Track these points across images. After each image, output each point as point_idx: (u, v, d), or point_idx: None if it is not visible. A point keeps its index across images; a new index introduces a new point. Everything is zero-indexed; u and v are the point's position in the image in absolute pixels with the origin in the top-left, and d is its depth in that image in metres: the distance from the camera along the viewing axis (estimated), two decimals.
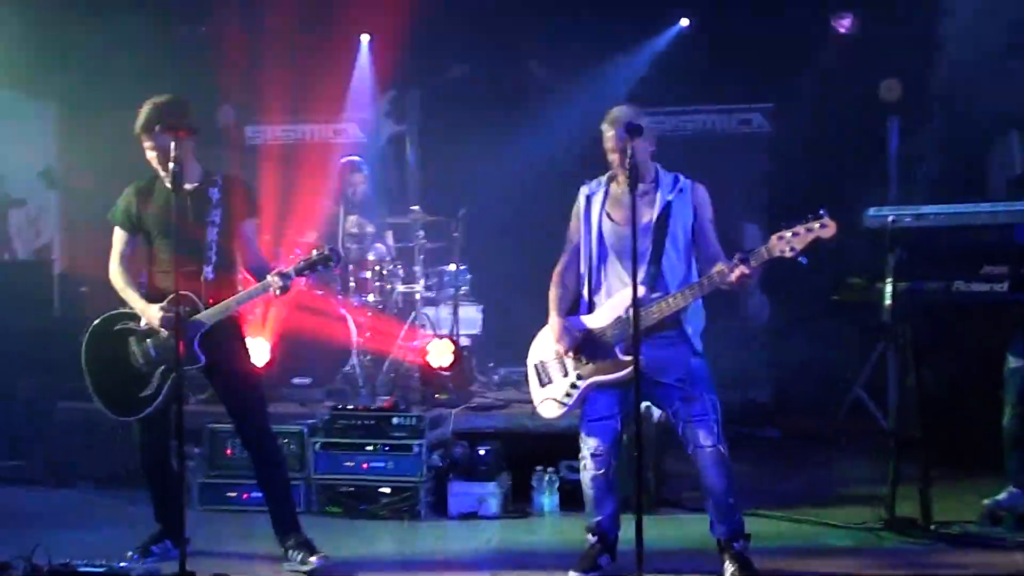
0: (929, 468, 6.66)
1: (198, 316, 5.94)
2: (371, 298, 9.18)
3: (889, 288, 6.55)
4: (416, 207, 9.60)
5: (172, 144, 5.64)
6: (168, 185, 5.93)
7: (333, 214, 9.52)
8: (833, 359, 9.79)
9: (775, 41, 9.91)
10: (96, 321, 6.26)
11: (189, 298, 5.93)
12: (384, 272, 9.29)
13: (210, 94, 11.10)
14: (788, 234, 5.28)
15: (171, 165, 5.60)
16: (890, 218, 6.53)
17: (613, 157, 5.71)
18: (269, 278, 5.87)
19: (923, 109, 9.94)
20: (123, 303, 6.16)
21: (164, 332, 5.95)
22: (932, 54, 9.61)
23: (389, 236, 9.98)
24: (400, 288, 9.50)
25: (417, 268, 9.53)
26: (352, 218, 9.56)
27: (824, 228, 5.24)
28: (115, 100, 10.80)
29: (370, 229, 9.60)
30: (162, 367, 6.02)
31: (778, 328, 10.27)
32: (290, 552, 6.05)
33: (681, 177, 5.82)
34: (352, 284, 9.09)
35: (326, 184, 9.81)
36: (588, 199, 5.88)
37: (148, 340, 6.07)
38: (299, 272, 5.85)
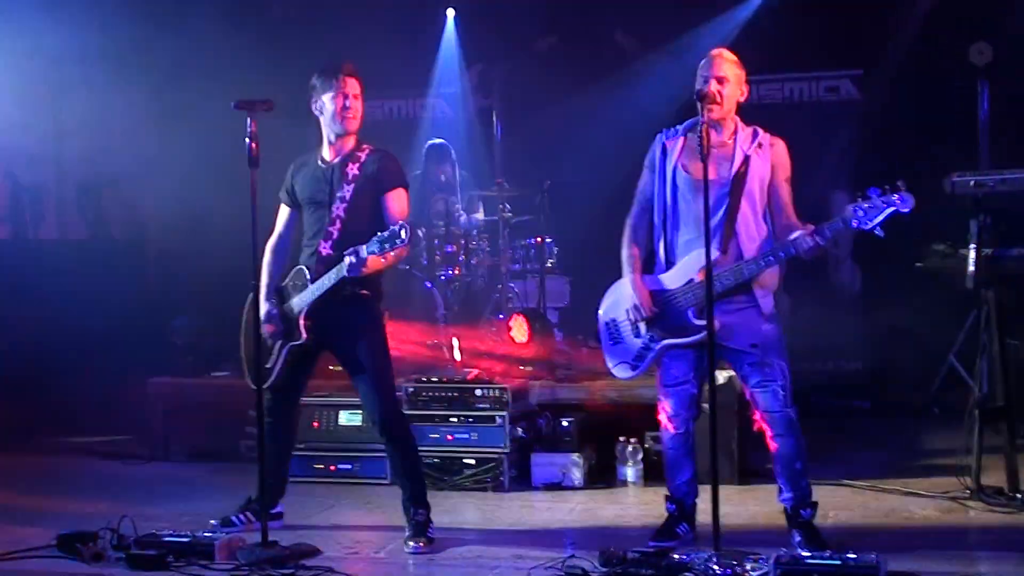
0: (1015, 436, 6.57)
1: (300, 294, 6.03)
2: (457, 272, 9.23)
3: (972, 254, 6.46)
4: (501, 180, 9.63)
5: (247, 121, 5.72)
6: (319, 161, 6.11)
7: (419, 194, 9.59)
8: (926, 328, 9.65)
9: (862, 6, 9.76)
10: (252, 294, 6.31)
11: (302, 273, 6.04)
12: (470, 246, 9.33)
13: (300, 72, 11.18)
14: (865, 205, 5.22)
15: (246, 142, 5.70)
16: (972, 183, 6.42)
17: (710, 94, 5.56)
18: (345, 258, 5.79)
19: (1014, 73, 9.71)
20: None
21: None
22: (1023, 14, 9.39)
23: (480, 210, 10.01)
24: (486, 261, 9.55)
25: (502, 241, 9.56)
26: (439, 197, 9.62)
27: (902, 202, 5.17)
28: (211, 87, 11.09)
29: (456, 205, 9.65)
30: (280, 340, 6.11)
31: (869, 297, 10.14)
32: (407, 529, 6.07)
33: (760, 131, 5.73)
34: (438, 258, 9.15)
35: (413, 161, 9.87)
36: (664, 148, 5.82)
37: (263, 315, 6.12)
38: (371, 251, 5.71)
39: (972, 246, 6.45)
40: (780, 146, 5.72)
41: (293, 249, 6.35)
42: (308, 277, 6.01)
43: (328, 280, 5.90)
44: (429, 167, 9.83)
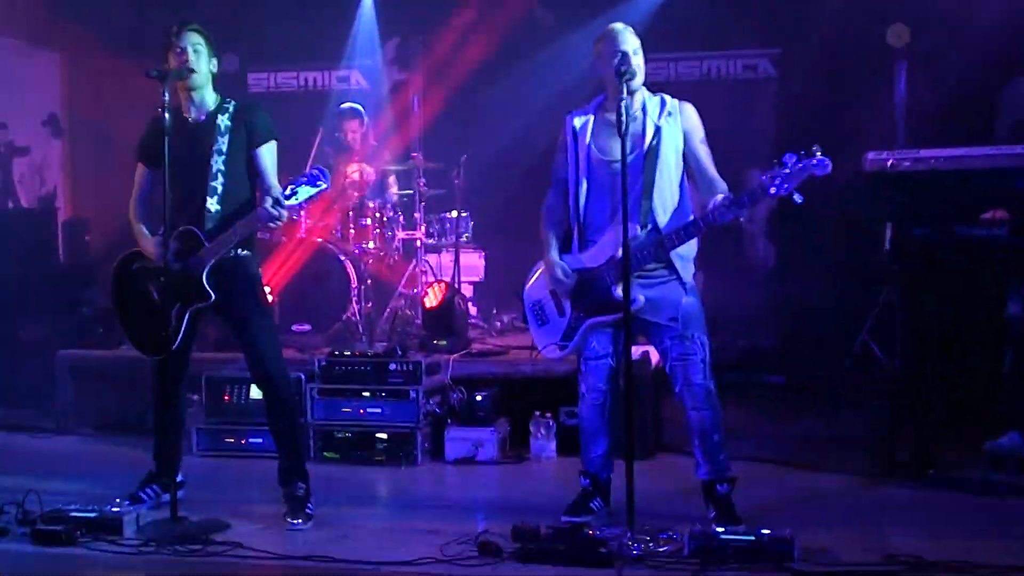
0: (927, 414, 6.62)
1: (200, 251, 5.84)
2: (371, 245, 9.15)
3: (889, 233, 6.51)
4: (416, 153, 9.55)
5: (162, 89, 5.61)
6: (184, 118, 5.97)
7: (332, 161, 9.51)
8: (840, 304, 9.73)
9: None
10: (115, 263, 6.18)
11: (191, 232, 5.85)
12: (385, 219, 9.25)
13: (215, 40, 11.00)
14: (784, 172, 5.20)
15: (159, 111, 5.56)
16: (889, 162, 6.45)
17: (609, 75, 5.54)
18: (262, 206, 5.67)
19: (931, 55, 9.82)
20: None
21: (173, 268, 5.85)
22: None
23: (393, 183, 9.94)
24: (401, 235, 9.47)
25: (418, 215, 9.50)
26: (353, 165, 9.53)
27: (818, 166, 5.16)
28: (119, 47, 10.89)
29: (371, 176, 9.57)
30: (177, 304, 5.89)
31: (783, 273, 10.19)
32: (283, 505, 5.98)
33: (668, 99, 5.70)
34: (352, 231, 9.05)
35: (326, 132, 9.75)
36: (574, 130, 5.77)
37: (161, 277, 5.89)
38: (299, 194, 5.59)
39: (888, 225, 6.48)
40: (689, 109, 5.70)
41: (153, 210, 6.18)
42: (202, 236, 5.84)
43: (236, 234, 5.77)
44: (340, 132, 9.71)
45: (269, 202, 5.61)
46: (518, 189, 10.39)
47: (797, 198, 5.19)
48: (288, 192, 5.60)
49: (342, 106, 9.91)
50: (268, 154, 5.96)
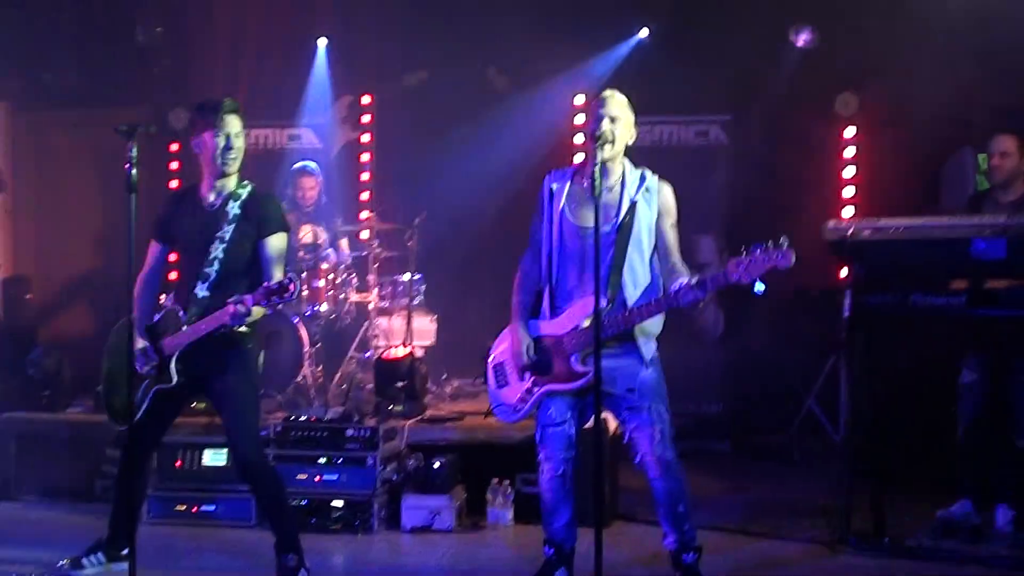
0: (882, 481, 6.66)
1: (176, 334, 5.79)
2: (324, 307, 9.07)
3: (848, 300, 6.55)
4: (369, 213, 9.50)
5: (128, 145, 5.43)
6: (198, 198, 5.91)
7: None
8: (787, 372, 9.80)
9: (733, 53, 9.89)
10: (115, 327, 6.09)
11: (174, 313, 5.81)
12: (337, 281, 9.18)
13: (165, 96, 10.93)
14: (746, 260, 5.20)
15: (127, 167, 5.44)
16: (849, 231, 6.50)
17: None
18: (229, 306, 5.56)
19: (878, 123, 9.98)
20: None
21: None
22: (888, 68, 9.64)
23: (344, 244, 9.86)
24: (354, 297, 9.40)
25: (371, 277, 9.44)
26: (306, 227, 9.45)
27: (782, 258, 5.15)
28: (66, 101, 10.76)
29: (324, 237, 9.51)
30: (146, 380, 5.86)
31: (731, 341, 10.23)
32: None
33: (648, 174, 5.69)
34: (305, 293, 8.96)
35: (279, 191, 9.68)
36: (551, 192, 5.74)
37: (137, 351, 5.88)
38: (256, 302, 5.52)
39: (848, 292, 6.53)
40: (667, 191, 5.69)
41: (162, 287, 6.18)
42: (182, 318, 5.80)
43: (206, 325, 5.69)
44: (294, 190, 9.64)
45: (234, 309, 5.53)
46: (471, 252, 10.39)
47: (758, 287, 5.20)
48: (252, 304, 5.53)
49: (296, 164, 9.84)
50: (275, 245, 5.87)
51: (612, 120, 5.55)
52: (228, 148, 5.81)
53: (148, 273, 6.07)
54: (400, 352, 8.55)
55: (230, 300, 5.56)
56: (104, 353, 6.16)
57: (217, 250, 5.81)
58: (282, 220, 5.96)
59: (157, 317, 5.89)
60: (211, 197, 5.92)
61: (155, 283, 6.10)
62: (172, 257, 6.24)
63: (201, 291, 5.81)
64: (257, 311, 5.60)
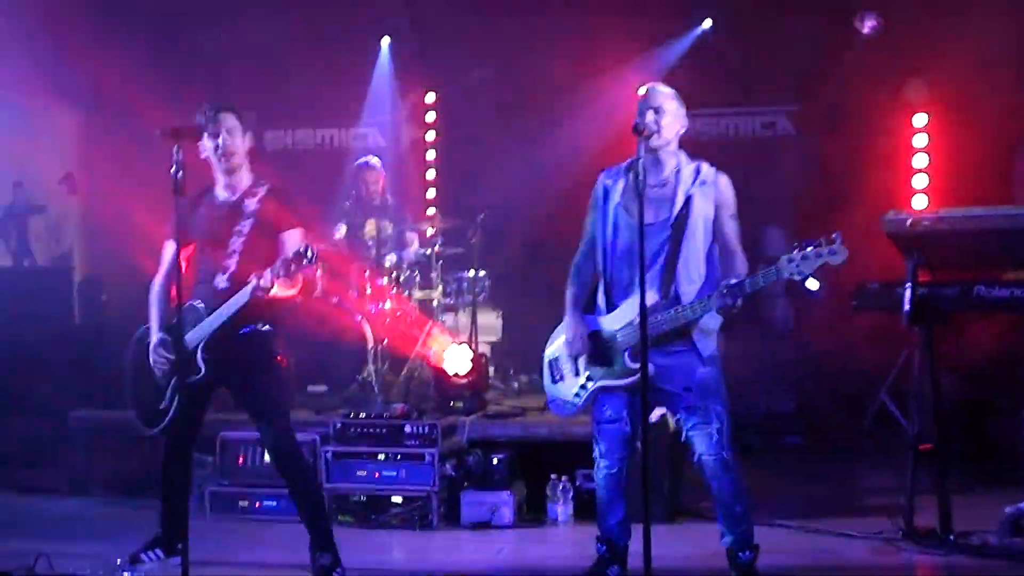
0: (948, 477, 6.52)
1: (195, 328, 5.84)
2: (388, 305, 9.09)
3: (908, 293, 6.42)
4: (433, 211, 9.51)
5: (175, 148, 5.44)
6: (214, 197, 5.98)
7: (352, 218, 9.47)
8: (859, 365, 9.64)
9: (798, 42, 9.78)
10: (137, 332, 6.18)
11: (195, 309, 5.85)
12: (401, 279, 9.19)
13: (231, 99, 11.01)
14: (798, 256, 5.11)
15: (172, 170, 5.48)
16: (908, 221, 6.37)
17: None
18: (251, 282, 5.64)
19: (950, 110, 9.80)
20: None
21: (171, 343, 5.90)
22: (958, 53, 9.45)
23: (415, 241, 9.84)
24: (418, 295, 9.41)
25: (434, 274, 9.44)
26: (371, 221, 9.47)
27: (834, 255, 5.05)
28: (142, 116, 10.90)
29: (389, 232, 9.51)
30: (173, 379, 5.91)
31: (802, 334, 10.11)
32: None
33: (704, 167, 5.58)
34: (368, 290, 8.99)
35: (344, 189, 9.74)
36: (606, 189, 5.69)
37: (160, 349, 5.98)
38: (276, 274, 5.58)
39: (907, 285, 6.39)
40: (724, 182, 5.57)
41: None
42: (204, 311, 5.84)
43: (228, 308, 5.75)
44: (357, 184, 9.67)
45: (253, 283, 5.61)
46: (536, 248, 10.35)
47: (812, 284, 5.12)
48: (271, 274, 5.58)
49: (357, 161, 9.88)
50: (292, 240, 5.90)
51: (656, 111, 5.48)
52: (218, 147, 5.86)
53: (165, 276, 6.11)
54: (460, 367, 8.43)
55: (252, 277, 5.63)
56: (127, 361, 6.23)
57: (236, 243, 5.87)
58: (295, 216, 5.99)
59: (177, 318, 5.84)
60: (226, 194, 5.99)
61: (171, 284, 6.09)
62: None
63: (221, 283, 5.86)
64: (280, 283, 5.62)
